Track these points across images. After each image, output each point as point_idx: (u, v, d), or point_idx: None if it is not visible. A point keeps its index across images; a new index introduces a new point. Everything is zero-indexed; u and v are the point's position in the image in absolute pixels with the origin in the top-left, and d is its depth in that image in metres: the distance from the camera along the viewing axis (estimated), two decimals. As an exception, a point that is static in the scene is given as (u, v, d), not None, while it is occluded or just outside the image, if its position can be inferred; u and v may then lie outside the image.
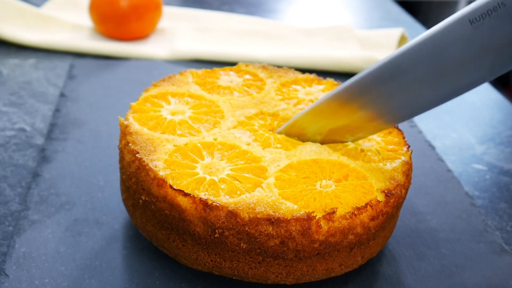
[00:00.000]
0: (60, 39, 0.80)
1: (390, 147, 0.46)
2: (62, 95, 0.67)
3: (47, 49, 0.80)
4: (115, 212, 0.48)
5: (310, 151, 0.44)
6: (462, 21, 0.38)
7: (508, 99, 0.78)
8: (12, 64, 0.75)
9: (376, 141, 0.46)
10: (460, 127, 0.69)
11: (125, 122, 0.44)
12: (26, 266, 0.42)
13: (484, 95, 0.79)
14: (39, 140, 0.58)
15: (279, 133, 0.46)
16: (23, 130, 0.60)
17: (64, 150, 0.56)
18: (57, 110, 0.64)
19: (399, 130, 0.48)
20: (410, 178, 0.44)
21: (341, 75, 0.79)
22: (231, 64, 0.80)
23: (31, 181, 0.51)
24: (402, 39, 0.88)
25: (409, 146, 0.46)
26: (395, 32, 0.87)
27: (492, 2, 0.36)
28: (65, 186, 0.51)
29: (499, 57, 0.38)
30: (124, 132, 0.43)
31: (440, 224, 0.50)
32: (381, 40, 0.87)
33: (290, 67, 0.67)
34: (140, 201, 0.40)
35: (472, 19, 0.37)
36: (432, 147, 0.62)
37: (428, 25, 2.08)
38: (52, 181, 0.51)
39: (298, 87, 0.53)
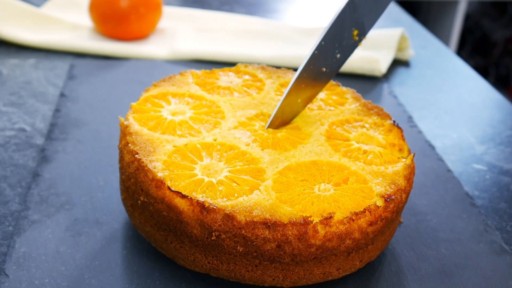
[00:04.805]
0: (60, 39, 0.80)
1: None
2: (62, 95, 0.67)
3: (47, 49, 0.80)
4: (115, 212, 0.48)
5: (310, 151, 0.44)
6: None
7: (508, 99, 0.78)
8: (12, 64, 0.75)
9: (377, 140, 0.46)
10: (460, 127, 0.69)
11: (125, 122, 0.44)
12: (26, 266, 0.42)
13: (484, 95, 0.79)
14: (39, 140, 0.58)
15: (270, 127, 0.47)
16: (23, 130, 0.60)
17: (64, 150, 0.56)
18: (57, 110, 0.64)
19: (399, 128, 0.48)
20: (412, 182, 0.43)
21: (341, 75, 0.79)
22: (231, 64, 0.80)
23: (31, 181, 0.51)
24: (402, 39, 0.88)
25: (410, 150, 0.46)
26: (395, 32, 0.87)
27: None
28: (65, 186, 0.51)
29: None
30: (124, 132, 0.43)
31: (440, 224, 0.50)
32: (381, 40, 0.87)
33: (290, 67, 0.67)
34: (139, 201, 0.40)
35: None
36: (432, 147, 0.62)
37: (428, 25, 2.08)
38: (52, 181, 0.51)
39: None
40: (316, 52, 0.48)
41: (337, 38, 0.48)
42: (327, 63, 0.49)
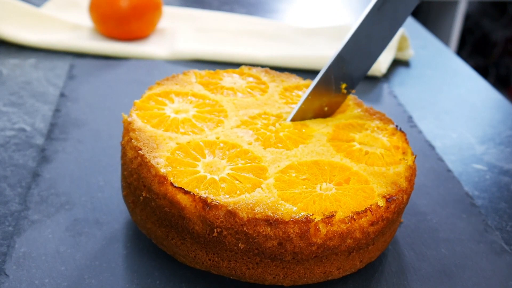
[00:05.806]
0: (60, 39, 0.80)
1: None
2: (62, 95, 0.67)
3: (47, 49, 0.80)
4: (115, 212, 0.48)
5: (312, 151, 0.44)
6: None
7: (508, 99, 0.78)
8: (12, 64, 0.75)
9: (381, 141, 0.46)
10: (460, 127, 0.69)
11: (129, 119, 0.44)
12: (26, 266, 0.42)
13: (484, 95, 0.79)
14: (39, 140, 0.58)
15: (291, 120, 0.48)
16: (23, 130, 0.60)
17: (64, 150, 0.56)
18: (57, 110, 0.64)
19: (402, 132, 0.48)
20: (413, 183, 0.43)
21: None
22: (231, 64, 0.80)
23: (31, 181, 0.51)
24: (402, 39, 0.88)
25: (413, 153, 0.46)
26: (395, 32, 0.87)
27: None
28: (65, 186, 0.51)
29: None
30: (127, 128, 0.44)
31: (440, 224, 0.50)
32: (381, 40, 0.86)
33: (290, 68, 0.67)
34: (141, 197, 0.41)
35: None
36: (432, 147, 0.62)
37: (428, 25, 2.07)
38: (52, 181, 0.51)
39: (300, 93, 0.54)
40: (303, 106, 0.48)
41: (324, 92, 0.49)
42: (314, 117, 0.49)
